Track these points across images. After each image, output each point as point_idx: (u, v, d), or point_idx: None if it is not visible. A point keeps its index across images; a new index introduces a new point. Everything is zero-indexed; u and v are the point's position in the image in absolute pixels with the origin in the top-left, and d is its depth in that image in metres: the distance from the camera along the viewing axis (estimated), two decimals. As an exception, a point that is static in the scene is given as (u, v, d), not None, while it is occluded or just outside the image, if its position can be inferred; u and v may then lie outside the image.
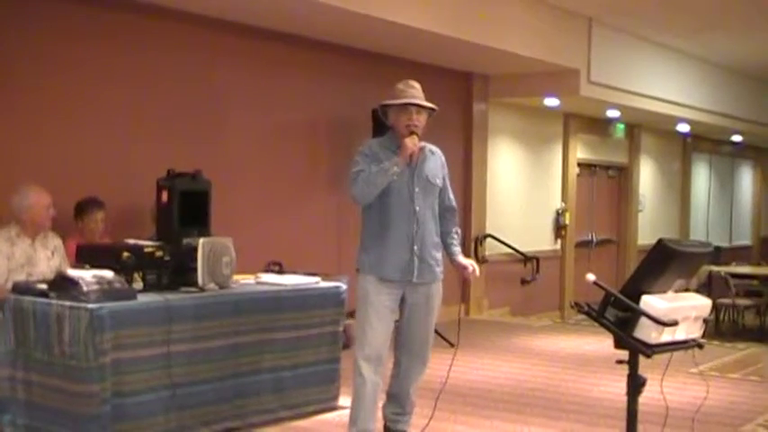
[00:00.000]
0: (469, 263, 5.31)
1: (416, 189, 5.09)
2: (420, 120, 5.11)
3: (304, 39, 8.88)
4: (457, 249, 5.35)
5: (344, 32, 8.75)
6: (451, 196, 5.37)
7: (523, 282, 12.25)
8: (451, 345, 8.70)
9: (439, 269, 5.19)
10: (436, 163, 5.27)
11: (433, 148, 5.29)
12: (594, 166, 14.19)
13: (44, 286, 5.12)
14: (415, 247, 5.06)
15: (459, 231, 5.47)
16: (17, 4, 6.75)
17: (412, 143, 5.01)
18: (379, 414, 5.26)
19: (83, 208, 6.78)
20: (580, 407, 6.59)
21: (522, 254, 11.95)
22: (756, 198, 19.53)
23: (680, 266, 4.25)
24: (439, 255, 5.21)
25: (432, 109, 5.18)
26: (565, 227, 13.12)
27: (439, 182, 5.23)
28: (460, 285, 5.25)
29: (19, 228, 5.99)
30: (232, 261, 5.62)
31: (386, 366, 5.17)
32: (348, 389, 5.66)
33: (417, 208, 5.07)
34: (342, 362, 6.22)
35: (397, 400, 5.27)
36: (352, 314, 7.88)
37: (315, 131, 9.19)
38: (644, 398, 4.27)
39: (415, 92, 5.13)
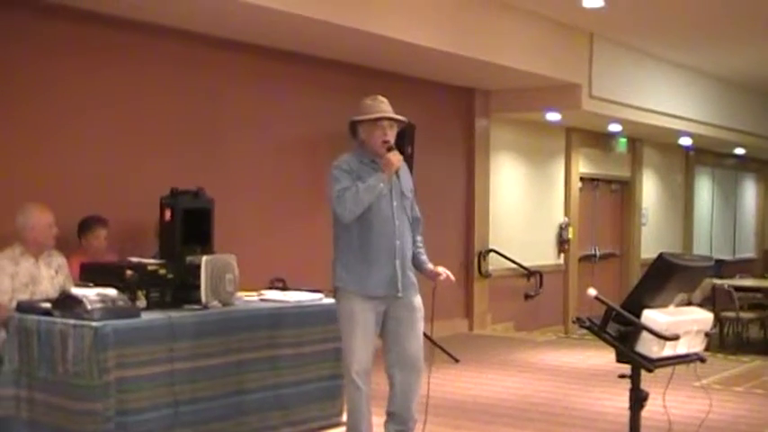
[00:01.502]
0: (441, 269, 5.30)
1: (395, 203, 5.13)
2: (392, 133, 5.15)
3: (305, 56, 8.91)
4: (424, 257, 5.39)
5: (346, 49, 8.79)
6: (417, 207, 5.40)
7: (527, 296, 12.25)
8: (456, 360, 8.73)
9: (415, 279, 5.24)
10: (407, 175, 5.33)
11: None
12: (597, 180, 14.20)
13: (48, 305, 5.13)
14: (397, 262, 5.09)
15: (422, 240, 5.47)
16: (21, 21, 6.78)
17: (396, 159, 5.04)
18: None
19: (86, 226, 6.80)
20: (583, 421, 6.59)
21: (525, 268, 11.96)
22: (760, 211, 19.52)
23: (681, 280, 4.27)
24: (413, 265, 5.27)
25: (402, 122, 5.19)
26: (568, 241, 13.12)
27: (410, 194, 5.29)
28: (431, 294, 5.22)
29: (23, 247, 6.00)
30: (235, 278, 5.63)
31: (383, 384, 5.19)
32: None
33: (398, 222, 5.11)
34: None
35: (399, 418, 5.26)
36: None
37: (316, 148, 9.20)
38: (647, 412, 4.28)
39: (384, 106, 5.16)
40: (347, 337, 5.11)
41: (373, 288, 5.07)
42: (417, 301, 5.23)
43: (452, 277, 5.30)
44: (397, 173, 5.13)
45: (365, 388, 5.09)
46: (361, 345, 5.06)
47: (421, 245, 5.41)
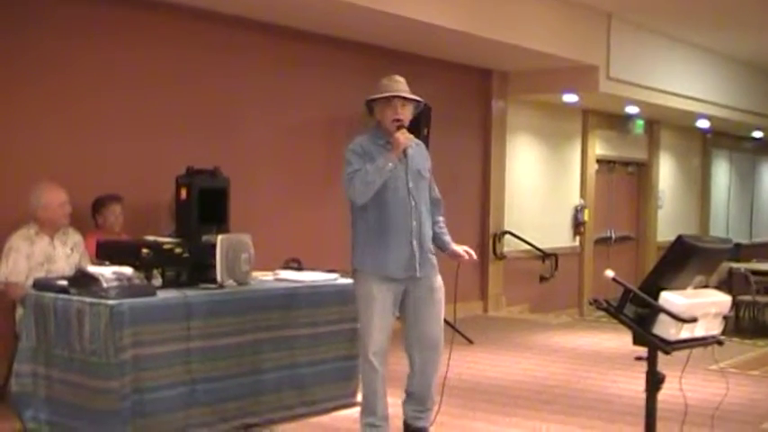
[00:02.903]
0: (463, 248, 5.31)
1: (411, 184, 5.11)
2: (406, 113, 5.12)
3: (322, 36, 8.89)
4: (448, 238, 5.38)
5: (363, 29, 8.76)
6: (436, 188, 5.40)
7: (542, 279, 12.23)
8: (470, 341, 8.73)
9: (435, 260, 5.23)
10: (422, 155, 5.30)
11: (416, 140, 5.29)
12: (613, 162, 14.14)
13: (65, 282, 5.15)
14: (415, 242, 5.08)
15: (444, 220, 5.47)
16: (38, 1, 6.78)
17: (404, 138, 5.02)
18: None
19: (100, 203, 6.80)
20: (599, 403, 6.58)
21: (540, 251, 11.93)
22: (777, 195, 19.40)
23: (699, 263, 4.24)
24: (432, 246, 5.25)
25: (417, 101, 5.17)
26: (584, 223, 13.08)
27: (427, 174, 5.27)
28: (454, 277, 5.22)
29: (38, 226, 6.03)
30: (251, 258, 5.63)
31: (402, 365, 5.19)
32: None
33: (414, 203, 5.10)
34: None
35: (417, 398, 5.27)
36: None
37: (333, 128, 9.19)
38: (663, 395, 4.25)
39: (399, 85, 5.14)
40: (365, 319, 5.11)
41: (391, 269, 5.06)
42: (437, 281, 5.21)
43: (474, 255, 5.31)
44: (405, 152, 5.10)
45: (381, 369, 5.10)
46: (378, 326, 5.06)
47: (443, 225, 5.40)
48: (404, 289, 5.13)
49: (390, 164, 4.98)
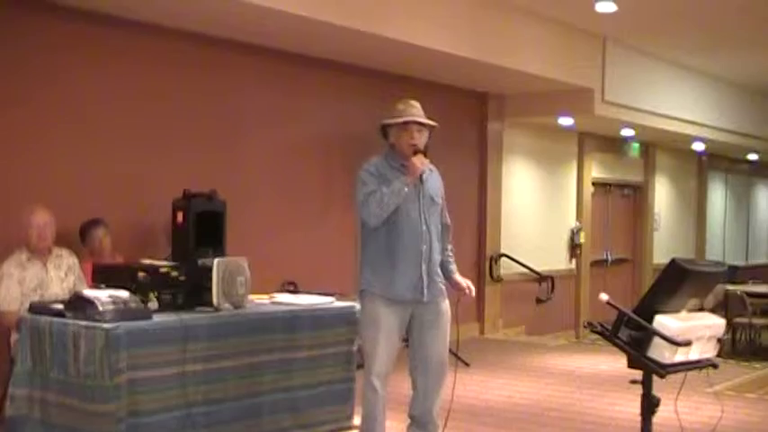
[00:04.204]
0: (465, 283, 5.32)
1: (423, 208, 5.12)
2: (421, 138, 5.14)
3: (320, 59, 8.93)
4: (453, 267, 5.40)
5: (360, 53, 8.80)
6: (447, 214, 5.41)
7: (538, 301, 12.22)
8: (466, 364, 8.72)
9: (443, 285, 5.23)
10: (436, 181, 5.32)
11: (431, 166, 5.30)
12: (609, 185, 14.18)
13: (60, 306, 5.15)
14: (424, 266, 5.08)
15: (453, 249, 5.48)
16: (34, 21, 6.81)
17: (420, 162, 5.03)
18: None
19: (84, 230, 6.78)
20: (595, 426, 6.57)
21: (536, 273, 11.94)
22: (773, 217, 19.44)
23: (693, 286, 4.26)
24: (440, 271, 5.25)
25: (432, 126, 5.19)
26: (580, 246, 13.11)
27: (440, 200, 5.28)
28: (455, 304, 5.24)
29: (29, 252, 6.00)
30: (247, 281, 5.63)
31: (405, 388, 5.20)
32: (362, 408, 5.69)
33: (425, 227, 5.10)
34: (356, 381, 6.22)
35: (420, 422, 5.26)
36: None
37: (329, 151, 9.23)
38: (658, 418, 4.26)
39: (414, 110, 5.17)
40: (370, 341, 5.11)
41: (398, 292, 5.06)
42: (444, 305, 5.21)
43: (473, 293, 5.34)
44: (421, 177, 5.12)
45: (382, 392, 5.09)
46: (383, 349, 5.06)
47: (451, 253, 5.41)
48: (411, 312, 5.14)
49: (406, 188, 4.99)
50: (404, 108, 5.17)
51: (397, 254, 5.07)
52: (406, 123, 5.11)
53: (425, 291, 5.09)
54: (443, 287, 5.23)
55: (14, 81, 6.73)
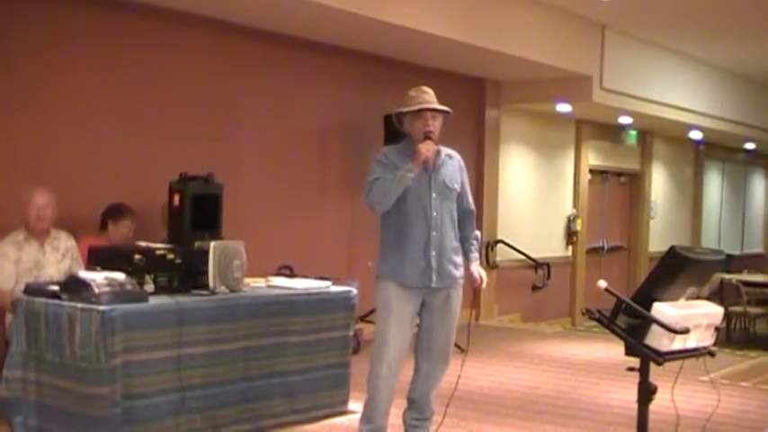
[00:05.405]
0: (479, 273, 5.28)
1: (434, 194, 5.09)
2: (436, 124, 5.12)
3: (317, 43, 8.89)
4: (474, 256, 5.34)
5: (358, 37, 8.77)
6: (470, 199, 5.38)
7: (534, 288, 12.24)
8: (462, 350, 8.70)
9: (459, 273, 5.20)
10: (454, 167, 5.27)
11: (452, 152, 5.29)
12: (606, 172, 14.16)
13: (56, 288, 5.13)
14: (433, 253, 5.06)
15: (479, 236, 5.47)
16: (36, 6, 6.78)
17: (425, 149, 5.00)
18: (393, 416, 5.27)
19: (115, 213, 6.77)
20: (590, 414, 6.58)
21: (533, 260, 11.95)
22: (769, 206, 19.46)
23: (692, 274, 4.25)
24: (459, 259, 5.21)
25: (446, 112, 5.17)
26: (576, 233, 13.10)
27: (457, 186, 5.23)
28: (471, 291, 5.25)
29: (26, 232, 5.99)
30: (243, 264, 5.63)
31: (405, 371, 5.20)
32: (358, 393, 5.69)
33: (434, 213, 5.08)
34: (352, 366, 6.22)
35: (417, 406, 5.27)
36: (362, 318, 7.93)
37: (327, 136, 9.20)
38: (655, 405, 4.26)
39: (428, 97, 5.14)
40: (381, 326, 5.11)
41: (408, 277, 5.05)
42: (455, 293, 5.19)
43: (485, 284, 5.30)
44: (434, 163, 5.09)
45: (389, 380, 5.07)
46: (394, 335, 5.05)
47: (475, 242, 5.36)
48: (422, 298, 5.13)
49: (411, 174, 4.96)
50: (416, 95, 5.15)
51: (406, 240, 5.06)
52: (420, 111, 5.09)
53: (435, 277, 5.07)
54: (458, 275, 5.19)
55: (14, 66, 6.71)
